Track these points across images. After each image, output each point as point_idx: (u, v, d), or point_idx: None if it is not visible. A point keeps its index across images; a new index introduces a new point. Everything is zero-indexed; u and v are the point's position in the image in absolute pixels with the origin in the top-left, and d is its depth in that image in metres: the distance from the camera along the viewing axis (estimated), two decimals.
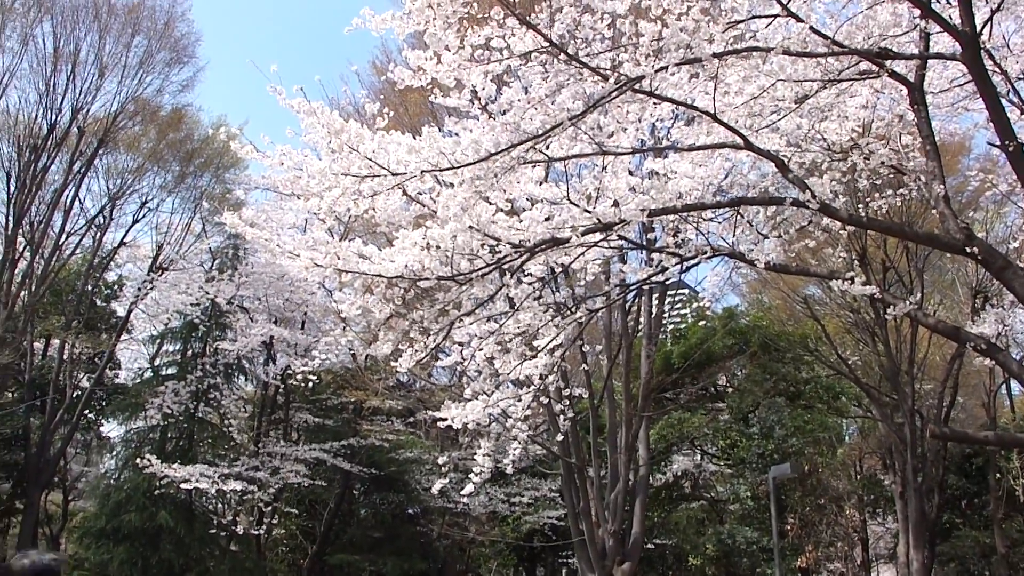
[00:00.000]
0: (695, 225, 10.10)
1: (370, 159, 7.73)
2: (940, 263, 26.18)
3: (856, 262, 20.55)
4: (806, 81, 9.70)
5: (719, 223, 10.45)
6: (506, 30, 7.79)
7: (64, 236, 28.03)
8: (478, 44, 7.89)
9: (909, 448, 23.13)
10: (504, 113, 8.03)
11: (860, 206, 13.14)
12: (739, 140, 8.86)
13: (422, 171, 7.72)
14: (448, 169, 7.73)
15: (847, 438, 37.90)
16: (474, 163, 7.65)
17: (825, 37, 8.79)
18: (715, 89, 8.75)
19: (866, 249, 21.80)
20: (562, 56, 7.77)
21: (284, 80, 8.34)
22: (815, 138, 11.16)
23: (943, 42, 10.15)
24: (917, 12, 9.25)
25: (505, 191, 8.74)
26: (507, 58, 7.87)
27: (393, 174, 7.76)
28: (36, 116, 26.48)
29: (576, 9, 7.80)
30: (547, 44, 7.72)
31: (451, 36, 7.66)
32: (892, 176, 12.14)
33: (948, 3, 9.80)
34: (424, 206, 8.84)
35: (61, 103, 26.40)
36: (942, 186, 9.20)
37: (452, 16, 7.48)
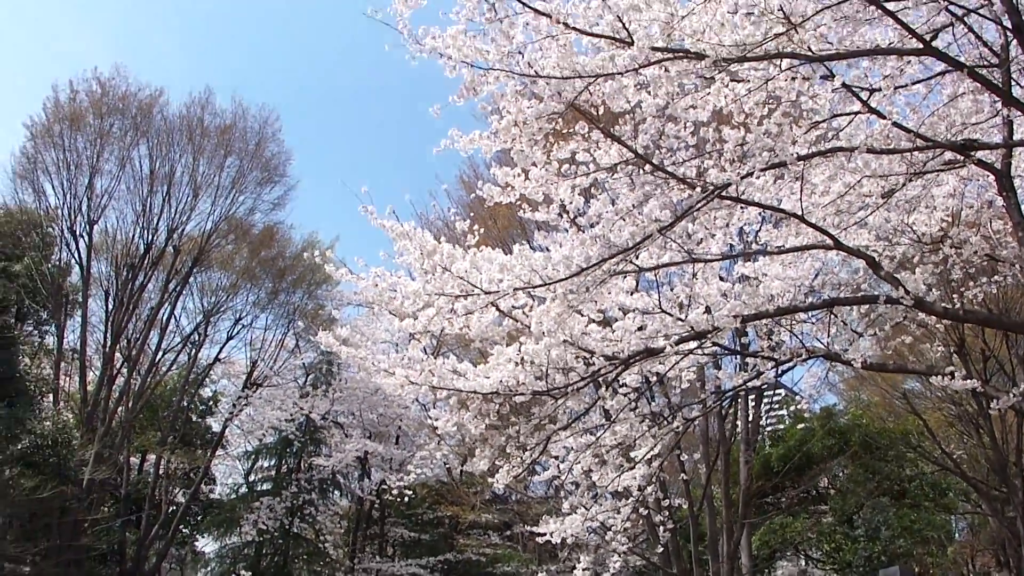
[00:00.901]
0: (788, 328, 9.99)
1: (463, 278, 7.86)
2: None
3: (955, 355, 20.02)
4: (892, 176, 9.63)
5: (812, 323, 10.33)
6: (591, 144, 7.93)
7: (160, 353, 28.74)
8: (564, 159, 8.03)
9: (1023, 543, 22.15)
10: (593, 225, 8.12)
11: (955, 296, 12.87)
12: (828, 240, 8.79)
13: (515, 288, 7.81)
14: (540, 286, 7.81)
15: (957, 535, 36.40)
16: (566, 279, 7.71)
17: (908, 131, 8.74)
18: (801, 190, 8.74)
19: (964, 340, 21.23)
20: (647, 166, 7.86)
21: (374, 195, 8.60)
22: (904, 231, 11.02)
23: None
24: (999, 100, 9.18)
25: (597, 302, 8.77)
26: (593, 171, 7.99)
27: (486, 292, 7.87)
28: (133, 236, 27.57)
29: (659, 120, 7.90)
30: (632, 155, 7.82)
31: (538, 152, 7.80)
32: (986, 263, 11.90)
33: None
34: (517, 321, 8.90)
35: (157, 223, 27.44)
36: None
37: (538, 133, 7.63)
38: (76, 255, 27.44)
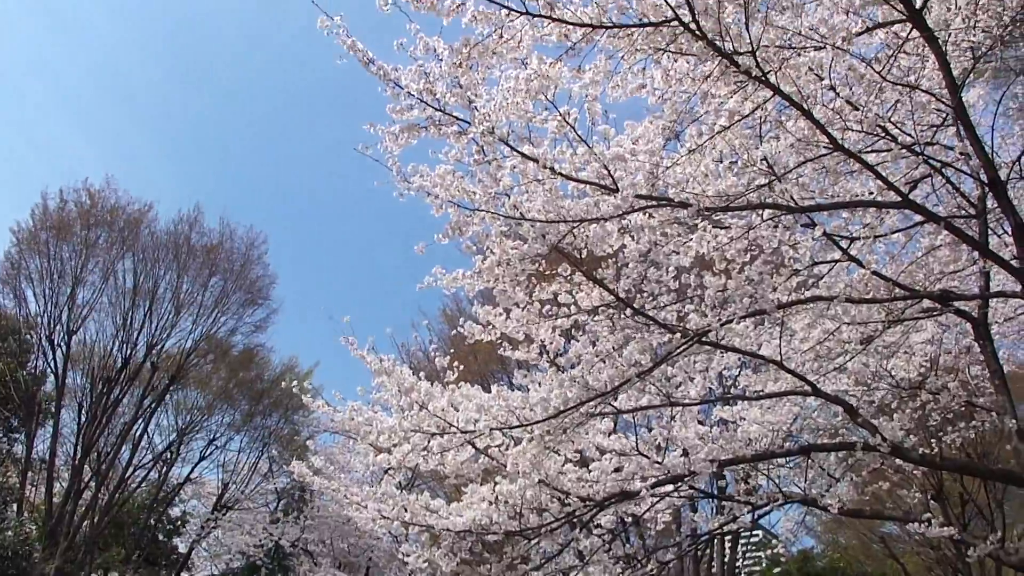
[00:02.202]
0: (766, 472, 9.92)
1: (440, 416, 7.80)
2: (1022, 492, 25.19)
3: (933, 500, 19.87)
4: (871, 322, 9.70)
5: (790, 468, 10.26)
6: (573, 285, 7.98)
7: (131, 469, 28.28)
8: (546, 299, 8.06)
9: None
10: (572, 366, 8.09)
11: (933, 441, 12.84)
12: (806, 387, 8.79)
13: (491, 429, 7.75)
14: (518, 427, 7.76)
15: None
16: (543, 421, 7.67)
17: (887, 279, 8.84)
18: (780, 336, 8.79)
19: (942, 485, 21.10)
20: (628, 310, 7.89)
21: (356, 322, 8.61)
22: (883, 376, 11.06)
23: (1005, 275, 10.16)
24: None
25: (574, 442, 8.69)
26: (575, 313, 8.02)
27: (463, 431, 7.80)
28: (111, 349, 27.40)
29: (642, 264, 7.97)
30: (614, 299, 7.86)
31: (520, 293, 7.84)
32: (963, 408, 11.91)
33: (1003, 243, 9.88)
34: (493, 459, 8.80)
35: (137, 338, 27.35)
36: (1014, 420, 9.01)
37: (521, 274, 7.68)
38: (52, 364, 27.26)
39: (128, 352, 27.28)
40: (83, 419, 27.06)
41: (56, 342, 27.03)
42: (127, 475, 28.16)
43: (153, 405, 28.03)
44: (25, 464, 26.72)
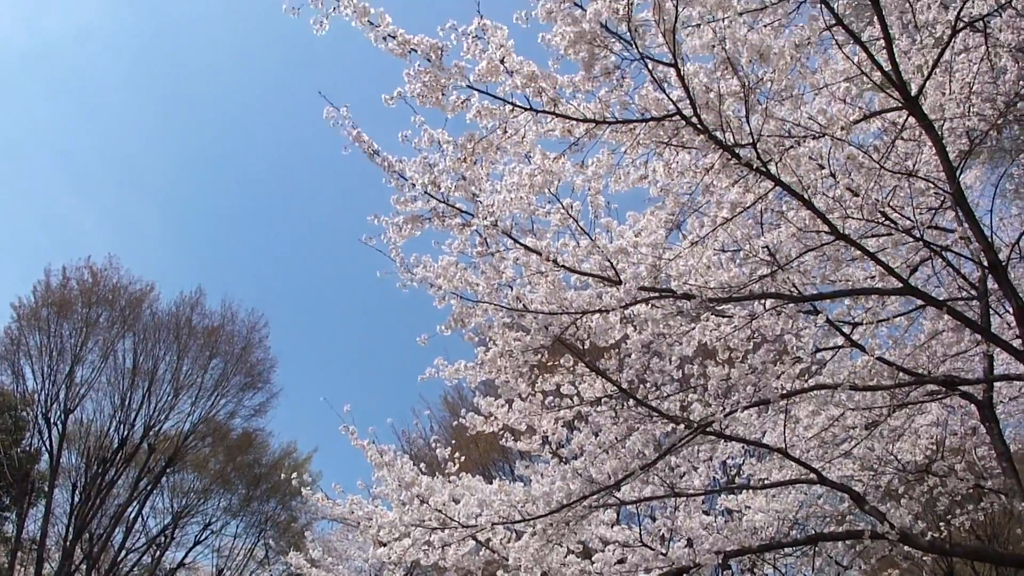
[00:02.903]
0: (772, 563, 9.77)
1: (441, 511, 7.70)
2: None
3: None
4: (875, 407, 9.63)
5: (797, 557, 10.10)
6: (576, 376, 7.93)
7: (123, 552, 27.84)
8: (549, 390, 8.01)
9: None
10: (575, 457, 8.02)
11: (941, 524, 12.69)
12: (811, 475, 8.70)
13: (493, 524, 7.64)
14: (520, 521, 7.65)
15: None
16: (546, 515, 7.56)
17: (890, 364, 8.80)
18: (785, 424, 8.72)
19: (953, 568, 20.76)
20: (631, 401, 7.83)
21: (356, 409, 8.54)
22: (889, 460, 10.96)
23: (1009, 356, 10.12)
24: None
25: (576, 534, 8.56)
26: (577, 404, 7.96)
27: (464, 526, 7.69)
28: (108, 429, 27.19)
29: (645, 355, 7.93)
30: (617, 390, 7.81)
31: (522, 384, 7.79)
32: (971, 491, 11.78)
33: (1006, 324, 9.87)
34: (495, 552, 8.66)
35: (134, 418, 27.18)
36: (1023, 503, 8.90)
37: (523, 365, 7.63)
38: (47, 443, 27.04)
39: (125, 433, 27.11)
40: (76, 499, 26.75)
41: (52, 420, 26.86)
42: (119, 558, 27.75)
43: (149, 487, 27.73)
44: (15, 544, 26.34)
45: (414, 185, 6.99)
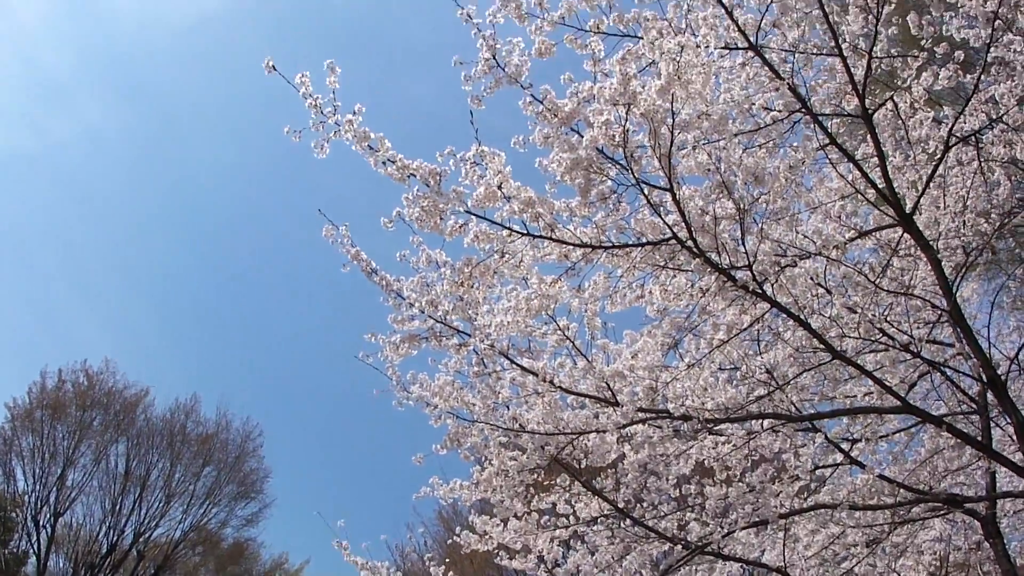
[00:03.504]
0: None
1: None
2: None
3: None
4: (876, 525, 9.51)
5: None
6: (572, 496, 7.85)
7: None
8: (544, 509, 7.93)
9: None
10: None
11: None
12: None
13: None
14: None
15: None
16: None
17: (891, 482, 8.71)
18: (784, 544, 8.60)
19: None
20: (628, 521, 7.74)
21: (350, 521, 8.45)
22: None
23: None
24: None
25: None
26: (573, 524, 7.87)
27: None
28: (98, 534, 26.77)
29: (642, 474, 7.87)
30: (613, 509, 7.72)
31: (518, 503, 7.71)
32: None
33: (1008, 437, 9.80)
34: None
35: (124, 524, 26.78)
36: None
37: (519, 485, 7.56)
38: (35, 546, 26.60)
39: (115, 538, 26.73)
40: None
41: (41, 523, 26.48)
42: None
43: None
44: None
45: (412, 305, 7.03)
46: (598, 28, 7.31)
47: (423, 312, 7.01)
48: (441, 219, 6.26)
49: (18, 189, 62.52)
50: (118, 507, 26.67)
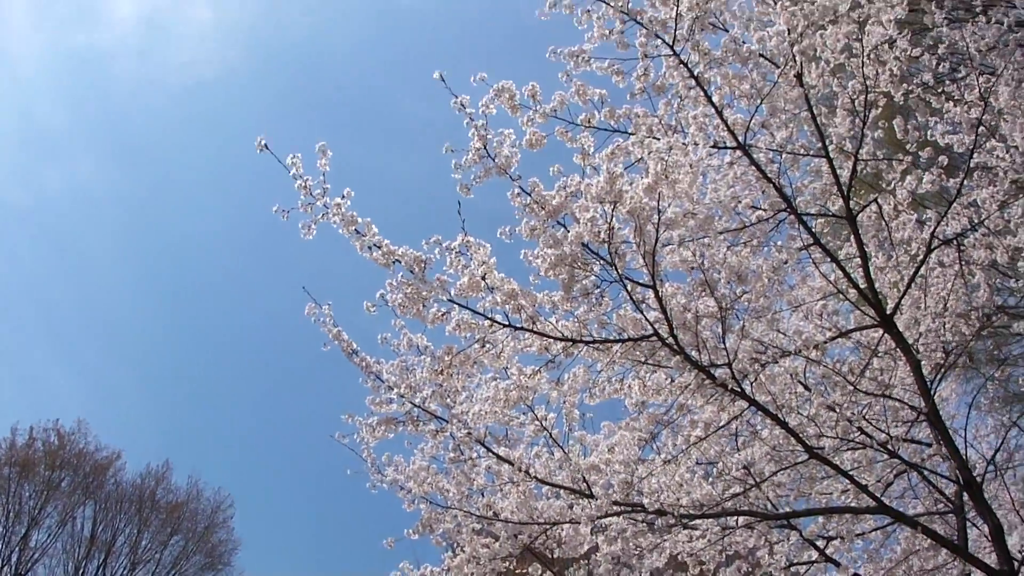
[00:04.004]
0: None
1: None
2: None
3: None
4: None
5: None
6: None
7: None
8: None
9: None
10: None
11: None
12: None
13: None
14: None
15: None
16: None
17: None
18: None
19: None
20: None
21: None
22: None
23: None
24: None
25: None
26: None
27: None
28: None
29: (615, 566, 7.80)
30: None
31: None
32: None
33: (984, 537, 9.75)
34: None
35: None
36: None
37: (491, 573, 7.48)
38: None
39: None
40: None
41: None
42: None
43: None
44: None
45: (391, 388, 7.03)
46: (589, 122, 7.45)
47: (402, 396, 7.00)
48: (424, 306, 6.28)
49: (4, 241, 62.37)
50: (82, 571, 26.13)
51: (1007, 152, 8.83)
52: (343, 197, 6.13)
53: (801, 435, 7.44)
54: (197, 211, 70.68)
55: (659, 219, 6.35)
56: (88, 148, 68.04)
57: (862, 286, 8.22)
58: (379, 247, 6.16)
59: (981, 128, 8.81)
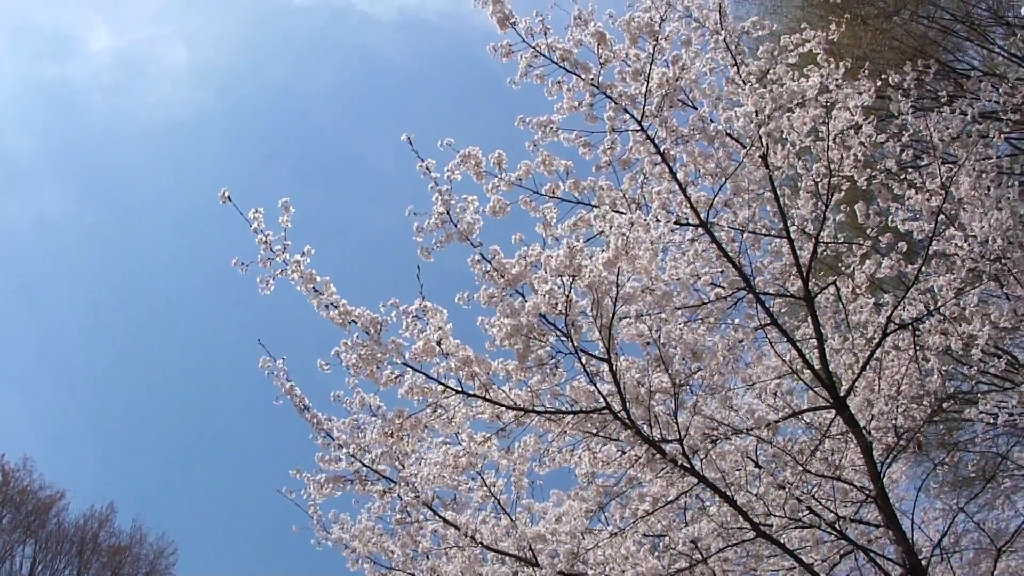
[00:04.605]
0: None
1: None
2: None
3: None
4: None
5: None
6: None
7: None
8: None
9: None
10: None
11: None
12: None
13: None
14: None
15: None
16: None
17: None
18: None
19: None
20: None
21: None
22: None
23: None
24: None
25: None
26: None
27: None
28: None
29: None
30: None
31: None
32: None
33: None
34: None
35: None
36: None
37: None
38: None
39: None
40: None
41: None
42: None
43: None
44: None
45: (340, 447, 7.00)
46: (553, 193, 7.53)
47: (351, 456, 6.98)
48: (377, 368, 6.26)
49: None
50: None
51: (965, 241, 9.00)
52: (303, 254, 6.12)
53: (749, 513, 7.46)
54: (159, 253, 69.99)
55: (617, 293, 6.40)
56: (53, 180, 67.45)
57: (817, 367, 8.30)
58: (336, 307, 6.15)
59: (941, 216, 8.98)
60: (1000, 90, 10.00)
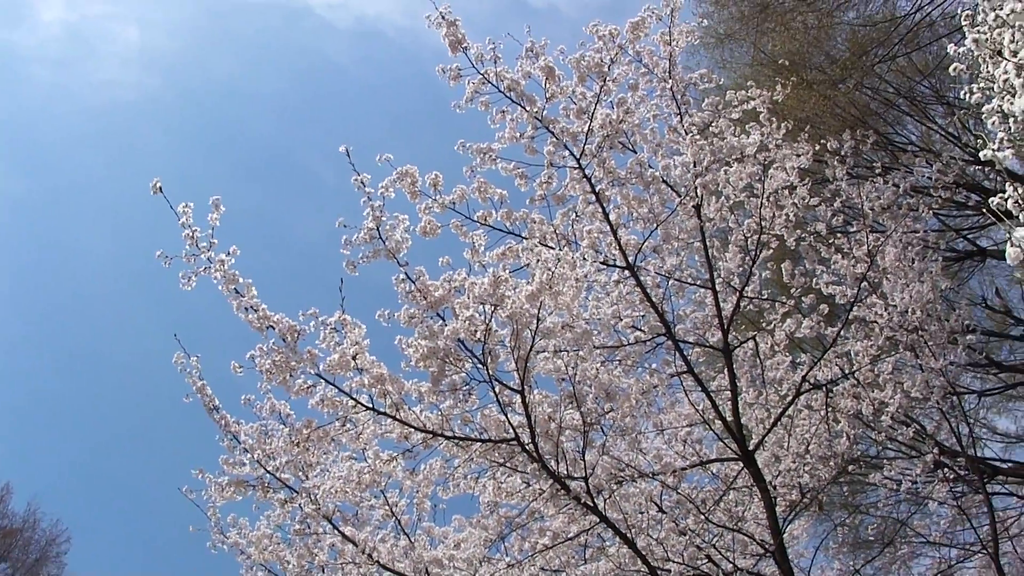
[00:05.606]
0: None
1: None
2: None
3: None
4: None
5: None
6: None
7: None
8: None
9: None
10: None
11: None
12: None
13: None
14: None
15: None
16: None
17: None
18: None
19: None
20: None
21: None
22: None
23: None
24: None
25: None
26: None
27: None
28: None
29: None
30: None
31: None
32: None
33: None
34: None
35: None
36: None
37: None
38: None
39: None
40: None
41: None
42: None
43: None
44: None
45: (246, 451, 6.94)
46: (485, 220, 7.59)
47: (256, 461, 6.92)
48: (291, 376, 6.23)
49: None
50: None
51: (886, 310, 9.21)
52: (228, 254, 6.09)
53: (648, 556, 7.53)
54: (88, 232, 68.46)
55: (537, 326, 6.45)
56: None
57: (729, 419, 8.41)
58: (255, 310, 6.12)
59: (864, 283, 9.20)
60: (934, 166, 10.30)
